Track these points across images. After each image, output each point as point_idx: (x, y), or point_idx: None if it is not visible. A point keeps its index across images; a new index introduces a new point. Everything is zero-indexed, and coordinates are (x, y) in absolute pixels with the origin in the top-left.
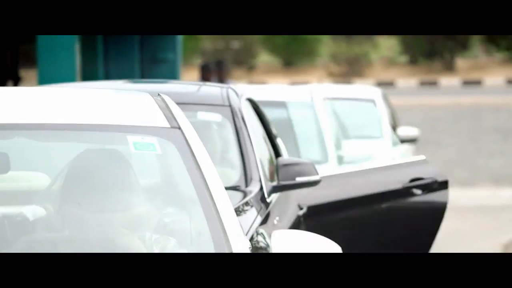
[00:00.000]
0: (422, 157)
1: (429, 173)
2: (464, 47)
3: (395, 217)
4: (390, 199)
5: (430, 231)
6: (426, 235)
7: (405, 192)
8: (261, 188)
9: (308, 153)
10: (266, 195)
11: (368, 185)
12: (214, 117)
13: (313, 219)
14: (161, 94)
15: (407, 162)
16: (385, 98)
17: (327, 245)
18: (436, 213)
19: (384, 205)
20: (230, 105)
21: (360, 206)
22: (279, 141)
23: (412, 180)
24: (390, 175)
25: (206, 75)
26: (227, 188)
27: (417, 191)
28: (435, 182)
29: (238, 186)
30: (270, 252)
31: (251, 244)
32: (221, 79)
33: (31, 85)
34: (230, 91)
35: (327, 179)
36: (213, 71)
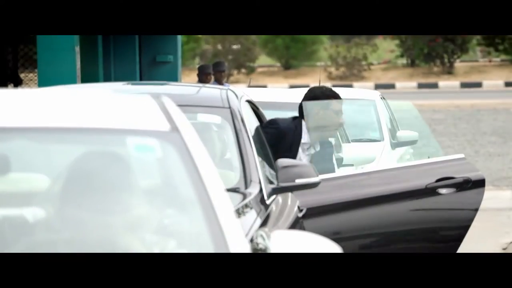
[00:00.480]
0: (460, 155)
1: (463, 172)
2: (462, 50)
3: (422, 214)
4: (416, 198)
5: (457, 231)
6: (453, 234)
7: (431, 191)
8: (261, 190)
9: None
10: (265, 197)
11: (398, 183)
12: (213, 119)
13: (350, 213)
14: (162, 96)
15: (441, 161)
16: (385, 101)
17: (327, 245)
18: (466, 212)
19: (411, 203)
20: (229, 107)
21: (386, 204)
22: None
23: (441, 179)
24: (419, 174)
25: (203, 77)
26: (226, 190)
27: (443, 191)
28: (469, 181)
29: (238, 188)
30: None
31: (251, 246)
32: (219, 81)
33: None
34: (229, 93)
35: (354, 177)
36: (211, 73)
